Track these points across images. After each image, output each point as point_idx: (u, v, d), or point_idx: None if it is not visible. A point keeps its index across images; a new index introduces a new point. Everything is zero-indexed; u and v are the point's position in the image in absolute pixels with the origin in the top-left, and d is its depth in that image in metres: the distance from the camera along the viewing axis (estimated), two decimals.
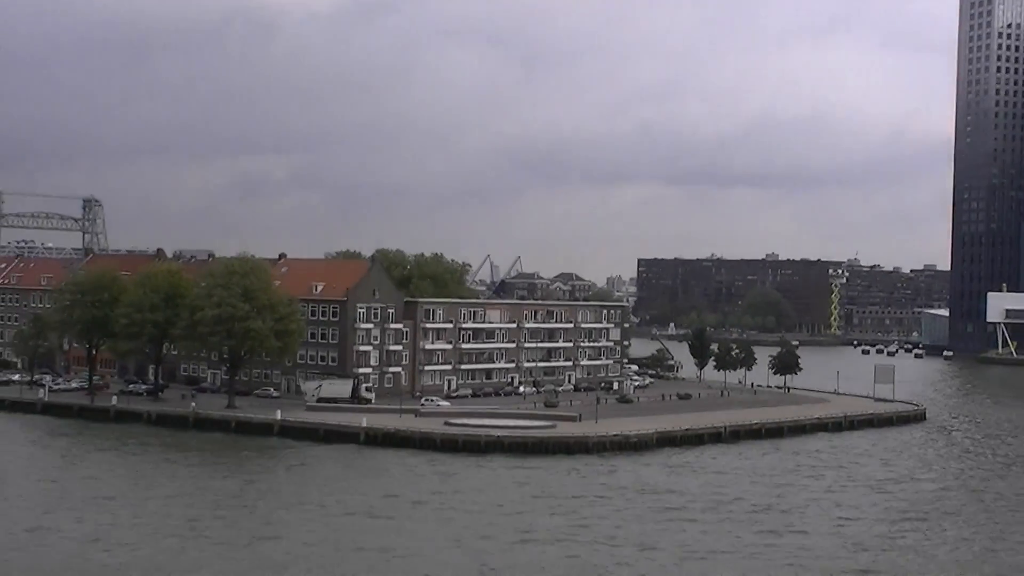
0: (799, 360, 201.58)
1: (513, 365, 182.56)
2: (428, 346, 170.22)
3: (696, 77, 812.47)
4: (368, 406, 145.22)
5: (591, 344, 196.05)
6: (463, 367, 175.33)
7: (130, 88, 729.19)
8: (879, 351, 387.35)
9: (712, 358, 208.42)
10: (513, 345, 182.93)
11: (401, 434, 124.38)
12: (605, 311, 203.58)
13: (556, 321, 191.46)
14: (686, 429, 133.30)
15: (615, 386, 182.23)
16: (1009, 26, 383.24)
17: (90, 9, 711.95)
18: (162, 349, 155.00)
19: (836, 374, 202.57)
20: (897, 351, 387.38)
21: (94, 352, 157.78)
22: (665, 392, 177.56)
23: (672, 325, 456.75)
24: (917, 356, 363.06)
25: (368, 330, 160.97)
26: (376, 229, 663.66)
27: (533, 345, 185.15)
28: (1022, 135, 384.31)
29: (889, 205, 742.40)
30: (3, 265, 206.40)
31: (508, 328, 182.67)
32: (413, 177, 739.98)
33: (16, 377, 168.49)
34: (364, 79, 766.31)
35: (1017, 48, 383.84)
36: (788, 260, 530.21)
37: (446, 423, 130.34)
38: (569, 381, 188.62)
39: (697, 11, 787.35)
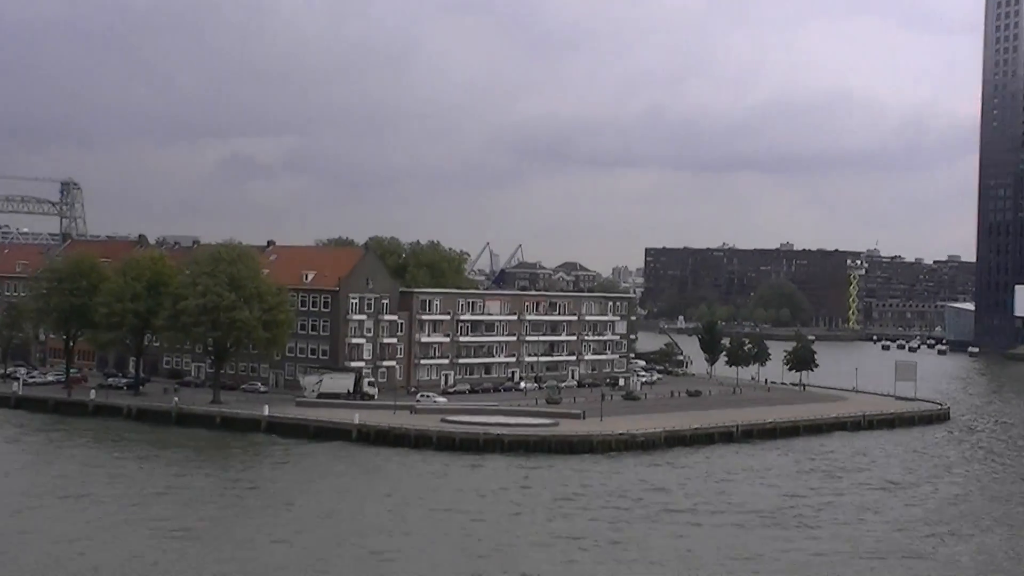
0: (815, 356, 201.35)
1: (514, 359, 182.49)
2: (424, 339, 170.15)
3: (707, 58, 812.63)
4: (362, 402, 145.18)
5: (596, 338, 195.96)
6: (461, 361, 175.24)
7: (114, 69, 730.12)
8: (900, 347, 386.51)
9: (724, 353, 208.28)
10: (514, 338, 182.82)
11: (395, 431, 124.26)
12: (611, 303, 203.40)
13: (559, 313, 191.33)
14: (696, 428, 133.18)
15: (621, 382, 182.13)
16: None
17: None
18: (143, 340, 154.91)
19: (854, 371, 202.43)
20: (919, 347, 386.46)
21: (71, 343, 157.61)
22: (674, 389, 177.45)
23: (681, 318, 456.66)
24: (940, 352, 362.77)
25: (361, 322, 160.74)
26: (370, 216, 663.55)
27: (535, 338, 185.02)
28: None
29: (910, 192, 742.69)
30: None
31: (508, 320, 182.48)
32: (410, 162, 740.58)
33: None
34: (360, 60, 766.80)
35: None
36: (804, 250, 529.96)
37: (443, 420, 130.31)
38: (573, 377, 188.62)
39: None
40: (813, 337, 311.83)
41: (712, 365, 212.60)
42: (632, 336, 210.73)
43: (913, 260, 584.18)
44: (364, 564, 74.10)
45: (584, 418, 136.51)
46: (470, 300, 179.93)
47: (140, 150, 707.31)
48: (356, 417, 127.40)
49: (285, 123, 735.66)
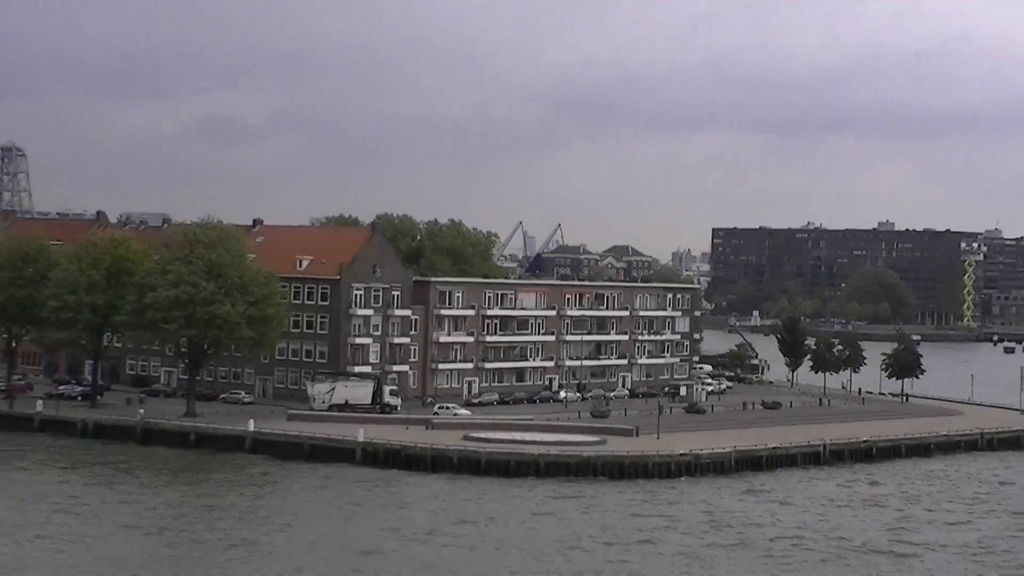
0: (921, 360, 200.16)
1: (552, 363, 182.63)
2: (443, 338, 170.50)
3: None
4: (383, 414, 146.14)
5: (652, 337, 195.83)
6: (488, 366, 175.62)
7: (64, 10, 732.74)
8: None
9: (808, 356, 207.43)
10: (552, 338, 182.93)
11: (409, 451, 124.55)
12: (670, 295, 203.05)
13: (607, 308, 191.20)
14: (774, 447, 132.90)
15: (683, 391, 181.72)
16: None
17: None
18: (102, 341, 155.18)
19: (970, 379, 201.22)
20: None
21: (14, 344, 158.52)
22: (747, 399, 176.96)
23: (756, 314, 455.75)
24: None
25: (367, 318, 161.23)
26: (378, 188, 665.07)
27: (577, 338, 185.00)
28: None
29: None
30: None
31: (546, 316, 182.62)
32: (426, 122, 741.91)
33: None
34: None
35: None
36: (907, 231, 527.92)
37: (465, 437, 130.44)
38: (623, 384, 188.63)
39: None
40: (918, 337, 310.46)
41: (794, 371, 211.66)
42: (696, 336, 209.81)
43: None
44: None
45: (637, 435, 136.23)
46: (499, 292, 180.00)
47: (97, 109, 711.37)
48: (361, 433, 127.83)
49: (272, 72, 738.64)
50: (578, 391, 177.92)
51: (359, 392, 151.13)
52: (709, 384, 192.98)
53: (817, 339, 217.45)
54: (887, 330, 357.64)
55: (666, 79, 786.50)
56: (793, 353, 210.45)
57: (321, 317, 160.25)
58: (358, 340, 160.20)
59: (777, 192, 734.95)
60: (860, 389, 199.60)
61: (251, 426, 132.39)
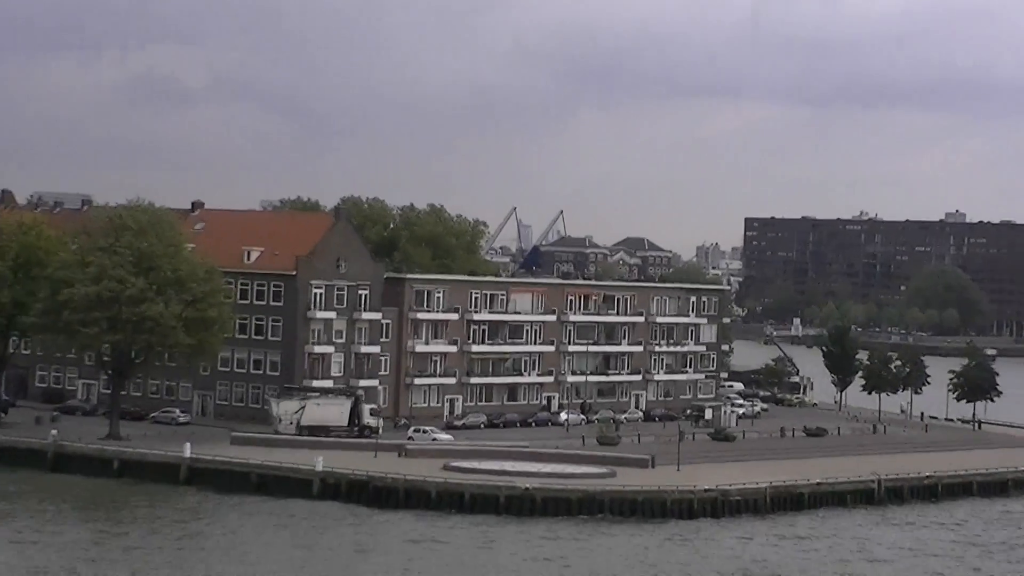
0: (996, 379, 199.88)
1: (551, 379, 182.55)
2: (420, 347, 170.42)
3: None
4: (361, 439, 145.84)
5: (671, 349, 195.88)
6: (474, 381, 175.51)
7: None
8: None
9: (859, 374, 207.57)
10: (551, 348, 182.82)
11: (377, 482, 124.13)
12: (694, 298, 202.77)
13: (618, 312, 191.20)
14: (817, 483, 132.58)
15: (708, 414, 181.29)
16: None
17: None
18: (7, 346, 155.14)
19: None
20: None
21: None
22: (786, 424, 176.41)
23: (797, 321, 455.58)
24: None
25: (328, 322, 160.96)
26: (344, 167, 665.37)
27: (582, 348, 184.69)
28: None
29: None
30: None
31: (544, 322, 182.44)
32: (401, 89, 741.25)
33: None
34: None
35: None
36: (981, 223, 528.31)
37: (446, 467, 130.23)
38: (637, 405, 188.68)
39: None
40: (994, 351, 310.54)
41: (842, 391, 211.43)
42: (725, 347, 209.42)
43: None
44: None
45: (653, 466, 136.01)
46: (488, 292, 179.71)
47: (8, 66, 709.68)
48: (320, 461, 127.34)
49: (220, 28, 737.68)
50: (582, 413, 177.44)
51: (333, 412, 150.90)
52: (740, 406, 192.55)
53: (871, 353, 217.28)
54: (956, 343, 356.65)
55: (691, 39, 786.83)
56: (842, 369, 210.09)
57: (273, 321, 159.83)
58: (317, 349, 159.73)
59: (823, 175, 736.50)
60: (923, 414, 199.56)
61: (187, 451, 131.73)
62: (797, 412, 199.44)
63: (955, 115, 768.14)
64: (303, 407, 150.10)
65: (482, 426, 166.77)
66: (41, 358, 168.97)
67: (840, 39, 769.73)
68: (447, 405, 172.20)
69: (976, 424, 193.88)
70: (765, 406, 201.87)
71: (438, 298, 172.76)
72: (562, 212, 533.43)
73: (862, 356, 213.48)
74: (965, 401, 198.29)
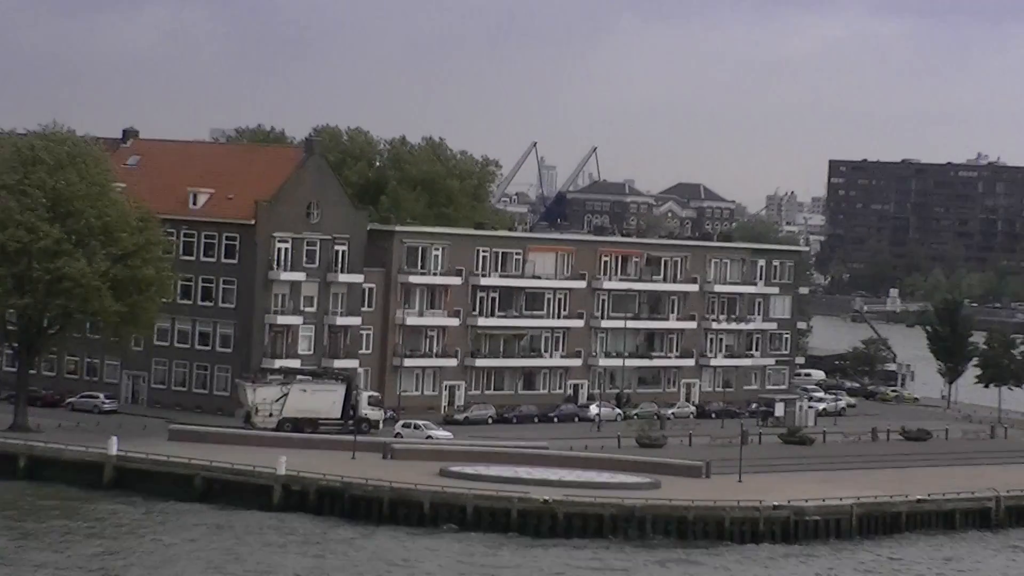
0: None
1: (578, 362, 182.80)
2: (412, 320, 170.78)
3: None
4: (360, 435, 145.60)
5: (733, 326, 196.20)
6: (480, 363, 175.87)
7: None
8: None
9: (974, 361, 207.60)
10: (579, 323, 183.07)
11: (355, 490, 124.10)
12: (762, 262, 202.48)
13: (665, 279, 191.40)
14: (917, 500, 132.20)
15: (778, 410, 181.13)
16: None
17: None
18: None
19: None
20: None
21: None
22: (879, 425, 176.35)
23: (894, 293, 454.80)
24: None
25: (295, 285, 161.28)
26: (319, 90, 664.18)
27: (618, 324, 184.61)
28: None
29: None
30: None
31: (570, 289, 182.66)
32: None
33: None
34: None
35: None
36: None
37: (443, 472, 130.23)
38: (688, 397, 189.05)
39: None
40: None
41: (952, 383, 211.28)
42: (802, 325, 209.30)
43: None
44: None
45: (707, 475, 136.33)
46: (499, 249, 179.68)
47: None
48: (282, 463, 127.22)
49: None
50: (618, 406, 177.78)
51: (323, 400, 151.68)
52: (820, 400, 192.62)
53: (989, 334, 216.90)
54: None
55: None
56: (951, 355, 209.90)
57: (226, 283, 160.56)
58: (281, 319, 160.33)
59: (930, 108, 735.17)
60: None
61: (113, 447, 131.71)
62: (893, 409, 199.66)
63: None
64: (286, 395, 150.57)
65: (490, 421, 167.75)
66: None
67: None
68: (446, 394, 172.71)
69: None
70: (852, 401, 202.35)
71: (435, 257, 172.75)
72: (595, 150, 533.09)
73: (977, 339, 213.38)
74: None
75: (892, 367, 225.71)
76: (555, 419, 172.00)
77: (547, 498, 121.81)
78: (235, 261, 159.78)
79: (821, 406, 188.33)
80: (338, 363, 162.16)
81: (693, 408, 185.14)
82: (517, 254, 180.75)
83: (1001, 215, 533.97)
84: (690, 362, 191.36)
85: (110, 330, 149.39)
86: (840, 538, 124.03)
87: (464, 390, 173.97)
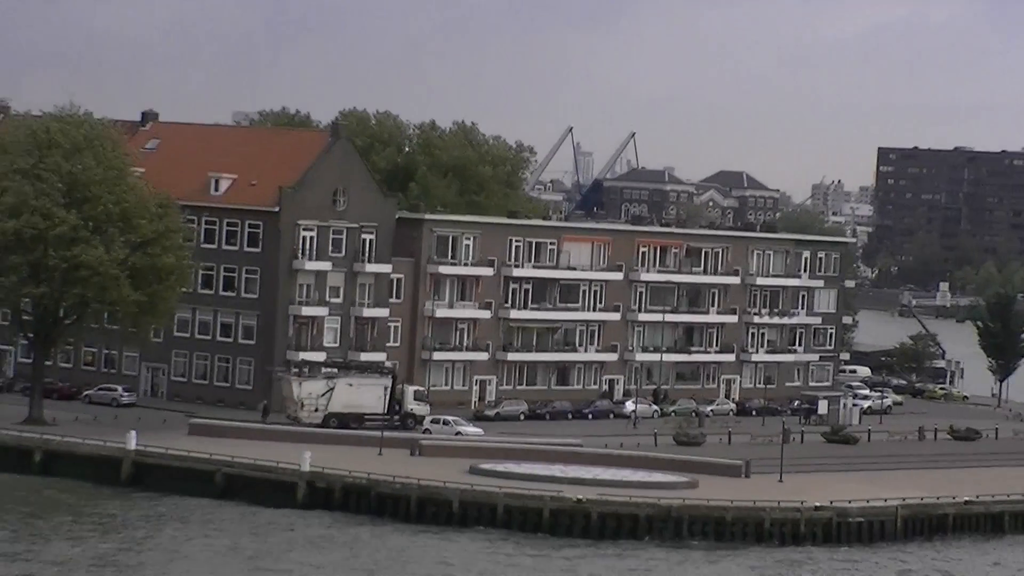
0: None
1: (614, 357, 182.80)
2: (442, 312, 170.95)
3: None
4: (404, 432, 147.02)
5: (775, 320, 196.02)
6: (512, 357, 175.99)
7: None
8: None
9: None
10: (616, 316, 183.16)
11: (382, 488, 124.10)
12: (807, 254, 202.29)
13: (705, 271, 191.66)
14: (965, 502, 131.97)
15: (822, 408, 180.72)
16: None
17: None
18: None
19: None
20: None
21: None
22: (926, 424, 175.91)
23: (944, 287, 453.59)
24: None
25: (321, 275, 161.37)
26: (346, 71, 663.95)
27: (656, 317, 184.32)
28: None
29: None
30: None
31: (607, 281, 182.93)
32: None
33: None
34: None
35: None
36: None
37: (473, 470, 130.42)
38: (728, 394, 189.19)
39: None
40: None
41: (1003, 380, 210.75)
42: (847, 319, 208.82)
43: None
44: None
45: (747, 475, 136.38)
46: (533, 239, 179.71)
47: None
48: (307, 459, 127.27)
49: None
50: (655, 403, 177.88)
51: (369, 395, 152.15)
52: (865, 398, 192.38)
53: None
54: None
55: None
56: (1003, 352, 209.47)
57: (248, 272, 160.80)
58: (306, 311, 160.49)
59: (984, 94, 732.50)
60: None
61: (132, 442, 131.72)
62: (941, 407, 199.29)
63: None
64: (332, 389, 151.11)
65: (522, 417, 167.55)
66: None
67: None
68: (476, 389, 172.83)
69: None
70: (899, 399, 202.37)
71: (466, 246, 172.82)
72: (633, 135, 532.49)
73: None
74: None
75: (940, 364, 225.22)
76: (589, 416, 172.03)
77: (581, 497, 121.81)
78: (258, 249, 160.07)
79: (866, 404, 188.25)
80: (364, 356, 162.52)
81: (733, 405, 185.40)
82: (551, 244, 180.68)
83: None
84: (730, 357, 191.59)
85: (128, 320, 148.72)
86: (885, 540, 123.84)
87: (495, 385, 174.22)
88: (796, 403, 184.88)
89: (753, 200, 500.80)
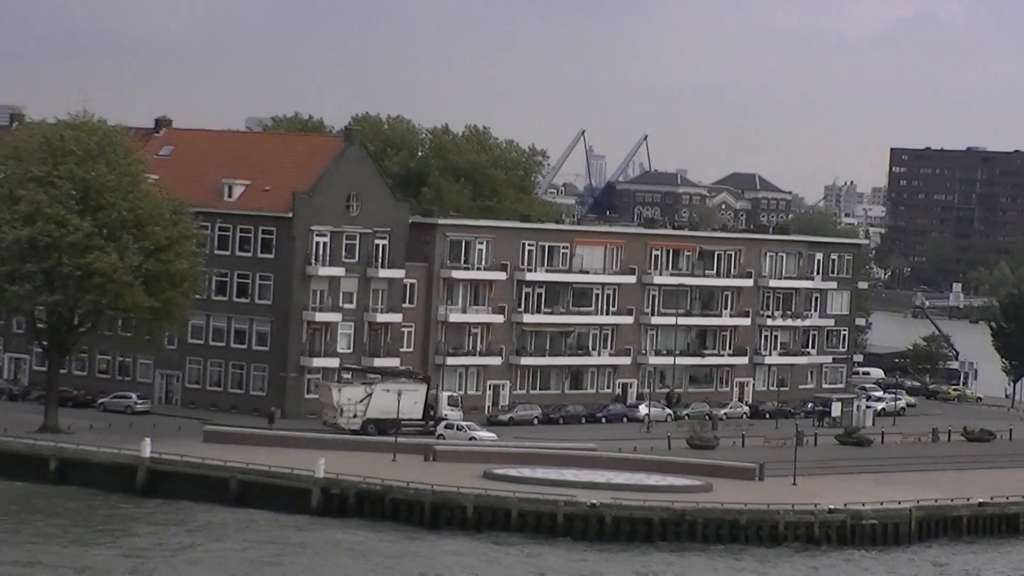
0: None
1: (627, 360, 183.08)
2: (455, 316, 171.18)
3: None
4: (437, 440, 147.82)
5: (788, 323, 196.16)
6: (525, 361, 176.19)
7: None
8: None
9: None
10: (629, 319, 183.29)
11: (395, 494, 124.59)
12: (819, 255, 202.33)
13: (718, 273, 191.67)
14: (979, 504, 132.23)
15: (835, 410, 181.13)
16: None
17: None
18: None
19: None
20: None
21: None
22: (940, 425, 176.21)
23: (958, 288, 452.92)
24: None
25: (334, 280, 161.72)
26: (358, 75, 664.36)
27: (669, 320, 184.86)
28: None
29: None
30: None
31: (619, 284, 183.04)
32: None
33: None
34: None
35: None
36: None
37: (487, 475, 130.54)
38: (741, 397, 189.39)
39: None
40: None
41: (1017, 381, 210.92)
42: (860, 321, 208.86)
43: None
44: None
45: (761, 477, 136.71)
46: (546, 243, 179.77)
47: None
48: (321, 466, 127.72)
49: None
50: (668, 406, 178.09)
51: (405, 401, 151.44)
52: (878, 399, 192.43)
53: None
54: None
55: None
56: (1017, 353, 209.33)
57: (262, 278, 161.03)
58: (320, 316, 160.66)
59: (998, 93, 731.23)
60: None
61: (147, 449, 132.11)
62: (955, 409, 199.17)
63: None
64: (370, 395, 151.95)
65: (535, 421, 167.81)
66: None
67: None
68: (490, 393, 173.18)
69: None
70: (912, 400, 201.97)
71: (480, 251, 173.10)
72: (646, 138, 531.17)
73: None
74: None
75: (954, 365, 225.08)
76: (603, 419, 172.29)
77: (595, 501, 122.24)
78: (272, 255, 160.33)
79: (880, 406, 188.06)
80: (379, 361, 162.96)
81: (746, 408, 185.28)
82: (564, 248, 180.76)
83: None
84: (743, 360, 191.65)
85: (143, 327, 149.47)
86: (898, 543, 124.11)
87: (509, 389, 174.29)
88: (809, 405, 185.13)
89: (765, 202, 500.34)
